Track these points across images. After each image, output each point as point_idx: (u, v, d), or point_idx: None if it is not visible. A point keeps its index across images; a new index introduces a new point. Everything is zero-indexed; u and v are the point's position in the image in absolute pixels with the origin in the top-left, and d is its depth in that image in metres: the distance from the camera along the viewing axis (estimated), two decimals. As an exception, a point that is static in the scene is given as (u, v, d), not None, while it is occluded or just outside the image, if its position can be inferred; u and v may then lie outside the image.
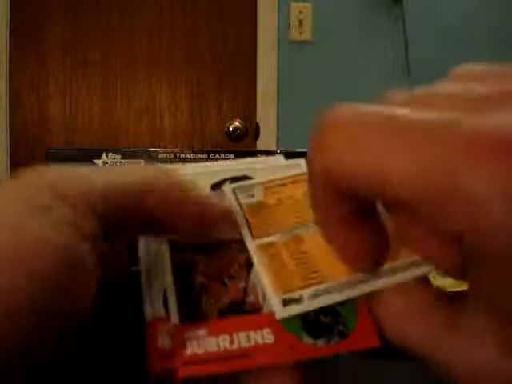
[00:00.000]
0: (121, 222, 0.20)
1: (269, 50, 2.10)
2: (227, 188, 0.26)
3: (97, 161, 0.74)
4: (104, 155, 0.73)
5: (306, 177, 0.27)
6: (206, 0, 2.11)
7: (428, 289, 0.20)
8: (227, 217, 0.23)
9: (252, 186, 0.26)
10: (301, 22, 2.09)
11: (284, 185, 0.26)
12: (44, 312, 0.16)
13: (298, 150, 0.75)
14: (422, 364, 0.18)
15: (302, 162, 0.28)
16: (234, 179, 0.26)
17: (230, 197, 0.25)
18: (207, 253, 0.23)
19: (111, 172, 0.21)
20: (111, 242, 0.20)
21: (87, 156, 0.74)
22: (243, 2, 2.12)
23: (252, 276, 0.23)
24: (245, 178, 0.27)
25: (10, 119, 2.06)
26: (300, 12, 2.09)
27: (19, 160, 2.07)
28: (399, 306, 0.19)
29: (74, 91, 2.10)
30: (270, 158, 0.28)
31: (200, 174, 0.26)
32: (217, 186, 0.26)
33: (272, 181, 0.26)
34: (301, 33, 2.10)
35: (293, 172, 0.27)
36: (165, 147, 2.04)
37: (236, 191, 0.26)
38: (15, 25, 2.05)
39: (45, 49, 2.08)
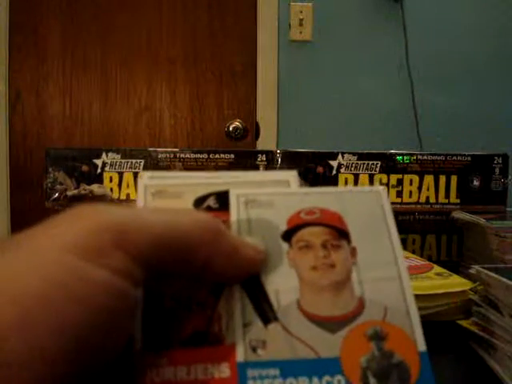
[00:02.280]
0: (163, 272, 0.22)
1: (269, 50, 2.10)
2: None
3: (97, 160, 0.74)
4: (104, 155, 0.73)
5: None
6: (206, 0, 2.11)
7: None
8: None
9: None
10: (301, 21, 2.09)
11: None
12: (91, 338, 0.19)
13: (298, 149, 0.75)
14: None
15: (291, 176, 0.28)
16: (219, 195, 0.27)
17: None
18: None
19: (164, 220, 0.22)
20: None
21: (87, 156, 0.74)
22: (243, 2, 2.12)
23: (221, 305, 0.23)
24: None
25: (10, 119, 2.06)
26: (300, 12, 2.09)
27: (19, 160, 2.08)
28: None
29: (74, 91, 2.10)
30: (254, 173, 0.29)
31: (186, 186, 0.27)
32: (201, 201, 0.27)
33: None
34: (301, 33, 2.10)
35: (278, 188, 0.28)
36: (165, 147, 2.04)
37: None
38: (15, 25, 2.05)
39: (45, 49, 2.08)
